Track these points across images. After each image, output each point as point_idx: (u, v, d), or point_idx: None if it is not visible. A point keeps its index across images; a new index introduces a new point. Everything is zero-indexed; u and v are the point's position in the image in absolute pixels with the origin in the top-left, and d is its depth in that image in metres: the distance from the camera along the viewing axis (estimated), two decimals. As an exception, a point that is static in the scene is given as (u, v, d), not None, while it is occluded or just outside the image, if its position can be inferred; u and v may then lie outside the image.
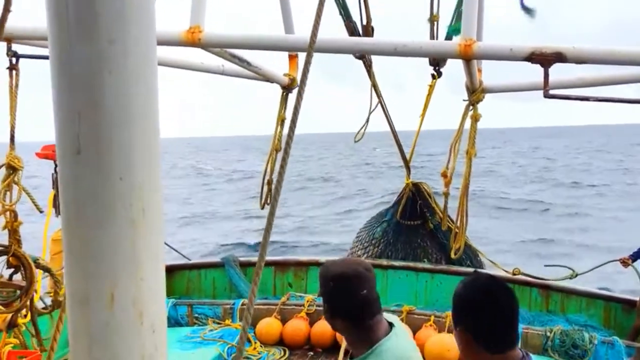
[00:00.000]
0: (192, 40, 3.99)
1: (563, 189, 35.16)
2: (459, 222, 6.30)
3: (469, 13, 3.88)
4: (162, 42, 4.07)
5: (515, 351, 1.98)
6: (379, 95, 6.67)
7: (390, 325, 2.25)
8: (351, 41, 4.03)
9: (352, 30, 5.04)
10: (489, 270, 7.75)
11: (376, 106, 6.68)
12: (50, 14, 1.26)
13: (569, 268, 7.41)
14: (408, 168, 7.72)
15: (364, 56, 5.64)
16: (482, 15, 4.96)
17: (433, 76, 6.35)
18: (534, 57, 3.62)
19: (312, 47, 1.72)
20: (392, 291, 7.24)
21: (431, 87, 6.59)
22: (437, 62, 5.92)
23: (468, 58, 3.85)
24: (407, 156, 7.72)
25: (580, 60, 3.60)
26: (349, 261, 2.36)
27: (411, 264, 7.36)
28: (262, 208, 7.03)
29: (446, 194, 6.73)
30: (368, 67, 6.28)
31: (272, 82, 5.76)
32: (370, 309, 2.16)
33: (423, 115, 7.08)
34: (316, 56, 1.77)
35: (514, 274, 7.21)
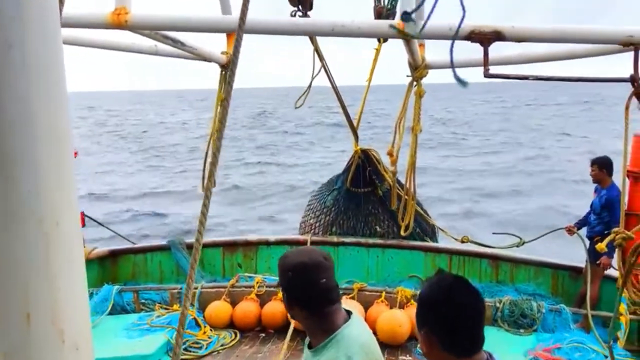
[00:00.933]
0: (119, 23, 3.79)
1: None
2: (407, 199, 6.32)
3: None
4: (86, 25, 3.88)
5: (480, 354, 1.92)
6: (321, 59, 6.41)
7: (348, 313, 2.26)
8: (287, 22, 3.88)
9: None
10: (440, 238, 7.83)
11: (319, 71, 6.49)
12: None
13: (517, 236, 7.54)
14: (356, 134, 7.56)
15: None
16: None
17: (379, 40, 6.17)
18: (473, 36, 3.56)
19: (242, 28, 1.61)
20: (344, 268, 7.22)
21: (377, 50, 6.43)
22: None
23: (407, 37, 3.76)
24: (355, 122, 7.56)
25: (519, 39, 3.56)
26: (308, 250, 2.35)
27: (362, 239, 7.35)
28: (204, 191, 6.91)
29: (394, 173, 6.73)
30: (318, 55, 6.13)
31: (209, 62, 5.57)
32: (329, 298, 2.17)
33: (370, 80, 6.95)
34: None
35: (463, 242, 7.30)
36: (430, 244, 7.49)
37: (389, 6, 4.75)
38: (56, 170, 1.18)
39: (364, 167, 7.56)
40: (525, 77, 3.60)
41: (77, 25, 3.84)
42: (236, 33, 1.60)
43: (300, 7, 4.73)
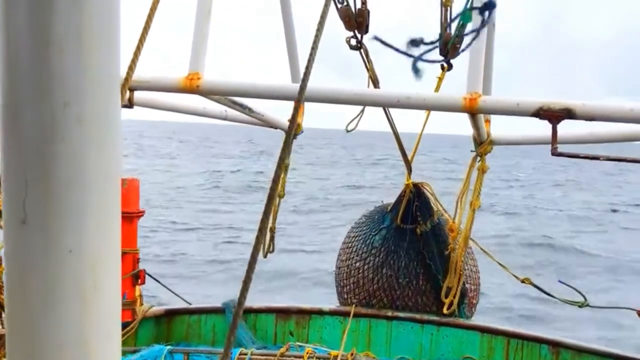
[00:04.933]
0: (191, 87, 3.94)
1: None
2: (454, 277, 6.16)
3: (475, 66, 3.79)
4: (160, 89, 4.04)
5: None
6: (375, 84, 5.83)
7: None
8: (351, 92, 3.95)
9: (347, 15, 4.61)
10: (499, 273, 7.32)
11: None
12: (2, 70, 1.17)
13: (582, 295, 6.96)
14: (409, 167, 7.14)
15: (359, 47, 5.12)
16: (491, 66, 4.89)
17: (442, 67, 5.79)
18: (541, 113, 3.51)
19: (301, 96, 1.63)
20: (396, 343, 7.02)
21: (440, 79, 6.02)
22: (447, 51, 5.47)
23: (473, 112, 3.74)
24: (409, 155, 7.12)
25: (590, 117, 3.49)
26: None
27: (417, 315, 7.13)
28: (265, 257, 6.93)
29: (453, 249, 6.56)
30: (365, 57, 5.58)
31: (275, 128, 5.70)
32: None
33: (428, 113, 6.60)
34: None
35: (523, 282, 6.90)
36: (488, 324, 7.19)
37: (456, 33, 4.37)
38: (101, 229, 1.19)
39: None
40: (596, 158, 3.50)
41: (151, 88, 4.02)
42: (295, 101, 1.60)
43: (356, 31, 4.70)
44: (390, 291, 7.21)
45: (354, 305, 7.34)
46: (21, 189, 1.15)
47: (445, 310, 6.66)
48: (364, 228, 7.60)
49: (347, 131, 6.22)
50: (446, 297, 6.73)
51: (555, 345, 6.78)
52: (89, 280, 1.19)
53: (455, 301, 6.55)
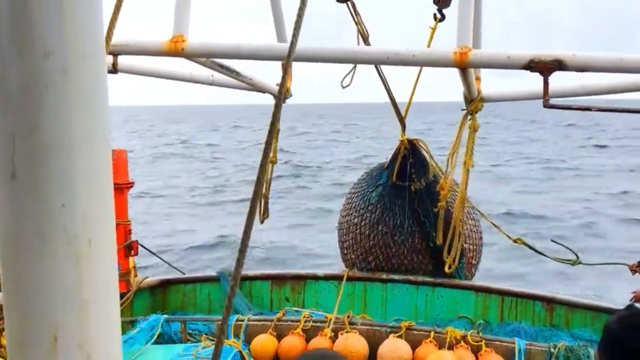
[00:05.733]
0: (175, 50, 3.87)
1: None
2: (454, 237, 6.15)
3: (464, 20, 3.74)
4: (143, 52, 3.97)
5: None
6: (365, 39, 5.73)
7: None
8: (340, 50, 3.89)
9: None
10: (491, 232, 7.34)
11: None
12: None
13: (575, 253, 6.97)
14: (403, 123, 7.02)
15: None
16: (480, 21, 4.84)
17: (435, 17, 5.68)
18: (532, 65, 3.47)
19: (291, 54, 1.58)
20: (392, 305, 7.08)
21: (433, 30, 5.88)
22: (439, 0, 5.36)
23: (464, 66, 3.70)
24: (403, 111, 6.99)
25: (581, 69, 3.46)
26: (324, 356, 2.06)
27: (411, 277, 7.17)
28: (262, 222, 6.92)
29: (442, 207, 6.54)
30: (353, 9, 5.51)
31: (264, 93, 5.64)
32: None
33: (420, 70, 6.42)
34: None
35: (516, 242, 6.90)
36: (481, 283, 7.25)
37: None
38: (94, 183, 1.16)
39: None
40: (588, 108, 3.48)
41: (134, 52, 3.95)
42: (285, 60, 1.54)
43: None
44: (386, 248, 7.23)
45: (348, 269, 7.38)
46: (9, 143, 1.11)
47: (447, 270, 6.64)
48: (363, 185, 7.58)
49: (343, 87, 5.98)
50: (441, 256, 6.73)
51: (549, 301, 6.86)
52: (82, 235, 1.16)
53: (449, 261, 6.56)
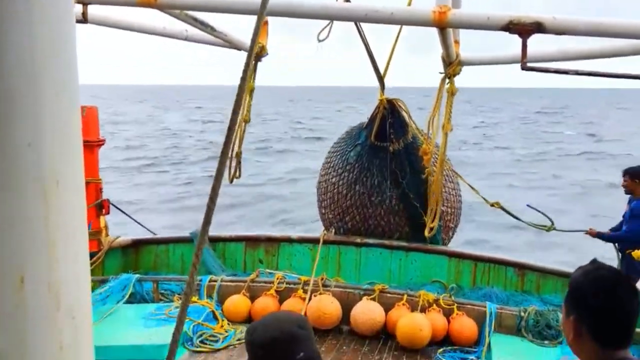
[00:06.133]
0: (148, 1, 3.74)
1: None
2: (434, 201, 6.14)
3: (444, -21, 3.67)
4: (116, 2, 3.84)
5: (625, 351, 1.94)
6: None
7: None
8: (317, 5, 3.79)
9: None
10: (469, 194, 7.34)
11: None
12: None
13: (550, 219, 7.12)
14: (382, 82, 6.90)
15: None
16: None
17: None
18: (511, 27, 3.43)
19: (263, 10, 1.51)
20: (366, 269, 7.11)
21: None
22: None
23: (442, 26, 3.64)
24: (382, 69, 6.87)
25: (560, 32, 3.42)
26: (279, 320, 1.96)
27: (386, 241, 7.18)
28: (232, 182, 6.83)
29: (430, 173, 6.51)
30: None
31: (239, 50, 5.51)
32: None
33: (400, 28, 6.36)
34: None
35: (493, 206, 6.93)
36: (455, 249, 7.30)
37: None
38: (61, 121, 1.10)
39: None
40: (565, 72, 3.46)
41: (105, 1, 3.81)
42: (257, 14, 1.44)
43: None
44: (363, 209, 7.19)
45: (323, 233, 7.37)
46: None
47: (426, 233, 6.63)
48: (342, 144, 7.50)
49: (319, 41, 5.72)
50: (419, 219, 6.72)
51: (521, 267, 6.94)
52: (50, 175, 1.10)
53: (436, 226, 6.57)
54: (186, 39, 5.13)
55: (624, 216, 6.74)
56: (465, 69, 5.66)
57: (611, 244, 7.03)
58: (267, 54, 5.95)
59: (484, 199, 6.84)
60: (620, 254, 6.82)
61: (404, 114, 6.95)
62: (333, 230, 7.40)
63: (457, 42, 5.26)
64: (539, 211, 7.22)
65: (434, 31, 4.79)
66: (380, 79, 6.87)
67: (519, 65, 3.73)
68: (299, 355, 1.84)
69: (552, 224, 7.02)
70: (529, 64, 3.48)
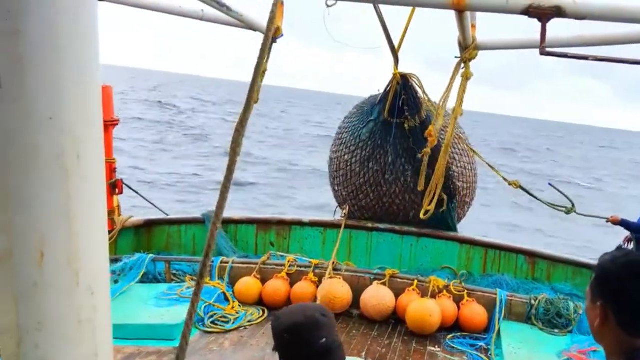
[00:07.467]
0: (166, -21, 3.74)
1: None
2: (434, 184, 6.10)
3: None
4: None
5: None
6: None
7: None
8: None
9: None
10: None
11: None
12: None
13: (571, 201, 7.01)
14: (396, 57, 6.68)
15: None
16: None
17: None
18: (531, 11, 3.40)
19: None
20: (377, 254, 7.13)
21: None
22: None
23: (461, 9, 3.61)
24: (396, 44, 6.63)
25: (581, 16, 3.39)
26: (302, 308, 2.09)
27: (397, 227, 7.18)
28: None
29: (427, 154, 6.43)
30: None
31: (255, 31, 5.49)
32: (332, 357, 1.98)
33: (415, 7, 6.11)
34: None
35: (511, 185, 6.83)
36: (466, 235, 7.30)
37: None
38: (82, 95, 1.11)
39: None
40: (585, 57, 3.43)
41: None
42: None
43: None
44: (377, 187, 7.10)
45: (343, 216, 7.35)
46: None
47: (422, 216, 6.56)
48: (354, 120, 7.34)
49: (328, 6, 5.71)
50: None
51: (532, 255, 6.93)
52: (71, 148, 1.11)
53: (432, 210, 6.55)
54: (202, 18, 5.12)
55: None
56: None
57: (621, 238, 7.00)
58: (283, 35, 5.92)
59: (503, 177, 6.74)
60: (638, 245, 6.79)
61: (418, 89, 6.78)
62: (347, 208, 7.32)
63: (473, 26, 5.22)
64: (560, 192, 7.14)
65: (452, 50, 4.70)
66: (394, 52, 6.63)
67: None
68: (322, 340, 1.94)
69: (573, 206, 6.89)
70: (547, 49, 3.46)
